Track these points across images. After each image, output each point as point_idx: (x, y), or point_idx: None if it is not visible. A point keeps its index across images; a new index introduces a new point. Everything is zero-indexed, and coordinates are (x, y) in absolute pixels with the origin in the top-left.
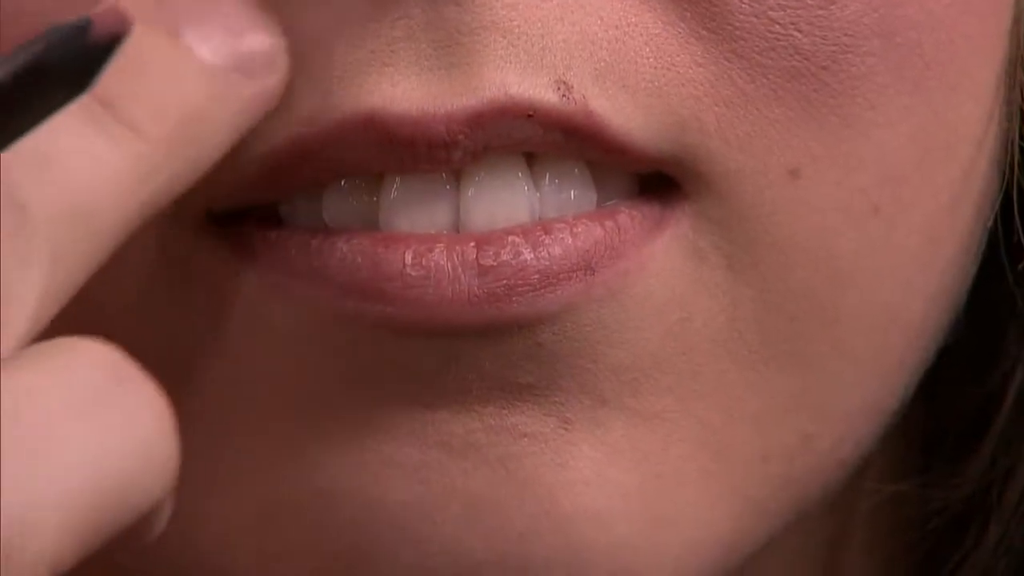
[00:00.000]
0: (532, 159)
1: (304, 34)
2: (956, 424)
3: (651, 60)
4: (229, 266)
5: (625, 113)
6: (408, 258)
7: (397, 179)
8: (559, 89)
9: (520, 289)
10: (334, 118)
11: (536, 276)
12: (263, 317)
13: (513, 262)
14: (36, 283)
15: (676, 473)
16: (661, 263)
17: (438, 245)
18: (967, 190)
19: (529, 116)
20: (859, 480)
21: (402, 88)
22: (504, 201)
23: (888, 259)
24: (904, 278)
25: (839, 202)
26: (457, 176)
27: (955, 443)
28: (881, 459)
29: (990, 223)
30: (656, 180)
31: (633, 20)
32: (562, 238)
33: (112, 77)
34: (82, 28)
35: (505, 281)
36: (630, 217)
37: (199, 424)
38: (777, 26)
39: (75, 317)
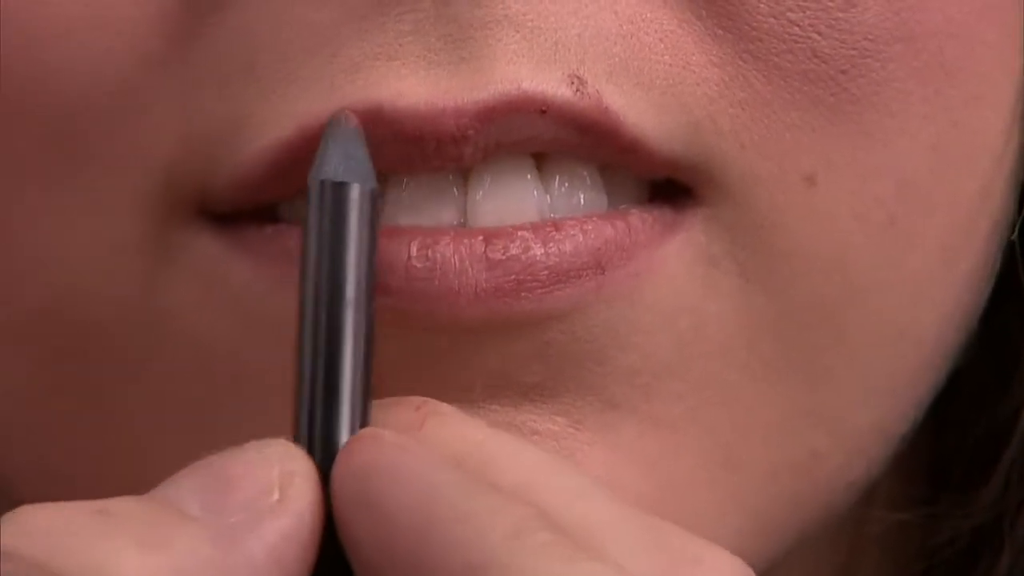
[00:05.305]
0: (542, 162)
1: (309, 27)
2: (967, 452)
3: (666, 58)
4: (224, 258)
5: (639, 110)
6: (413, 249)
7: (404, 180)
8: (573, 83)
9: (529, 285)
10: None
11: (545, 272)
12: (261, 310)
13: (523, 257)
14: None
15: (687, 481)
16: (673, 267)
17: (444, 238)
18: (985, 205)
19: (542, 111)
20: (868, 509)
21: (409, 83)
22: (513, 203)
23: (903, 272)
24: (918, 293)
25: (855, 211)
26: (465, 178)
27: (966, 471)
28: (890, 487)
29: (1007, 240)
30: (667, 187)
31: (648, 16)
32: (573, 235)
33: None
34: None
35: (514, 276)
36: (641, 219)
37: (196, 413)
38: (796, 28)
39: (71, 305)
